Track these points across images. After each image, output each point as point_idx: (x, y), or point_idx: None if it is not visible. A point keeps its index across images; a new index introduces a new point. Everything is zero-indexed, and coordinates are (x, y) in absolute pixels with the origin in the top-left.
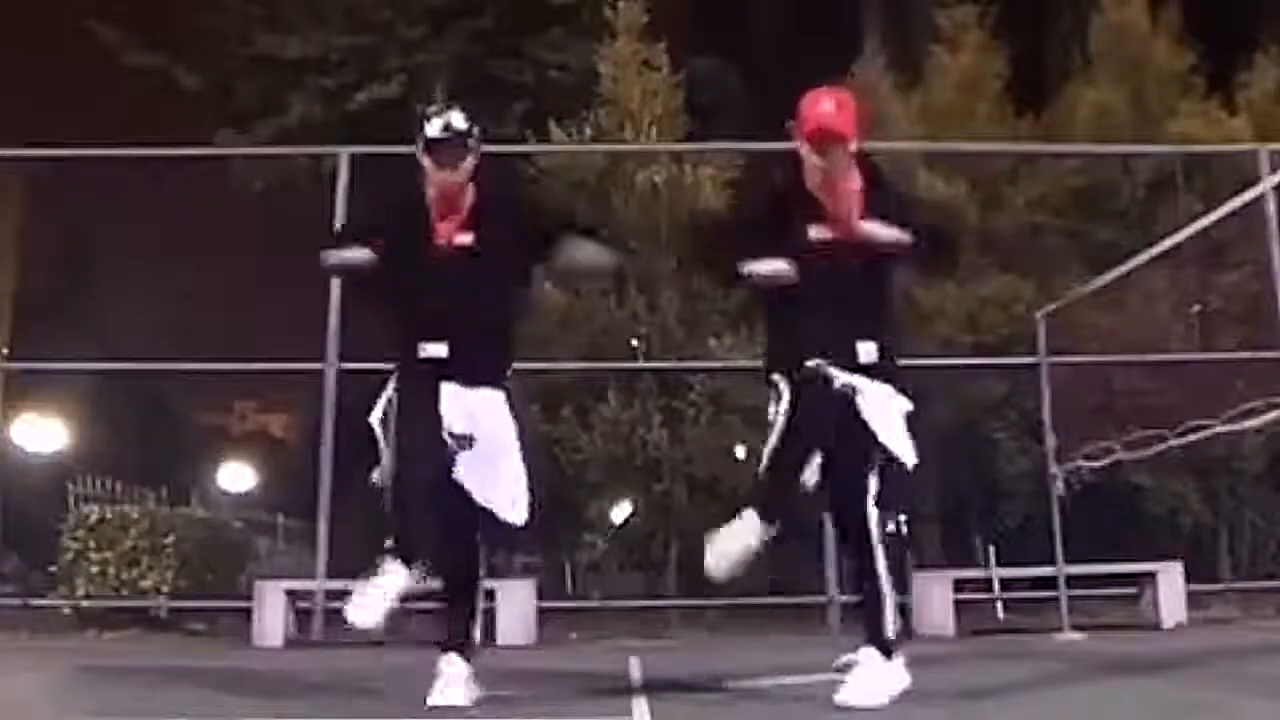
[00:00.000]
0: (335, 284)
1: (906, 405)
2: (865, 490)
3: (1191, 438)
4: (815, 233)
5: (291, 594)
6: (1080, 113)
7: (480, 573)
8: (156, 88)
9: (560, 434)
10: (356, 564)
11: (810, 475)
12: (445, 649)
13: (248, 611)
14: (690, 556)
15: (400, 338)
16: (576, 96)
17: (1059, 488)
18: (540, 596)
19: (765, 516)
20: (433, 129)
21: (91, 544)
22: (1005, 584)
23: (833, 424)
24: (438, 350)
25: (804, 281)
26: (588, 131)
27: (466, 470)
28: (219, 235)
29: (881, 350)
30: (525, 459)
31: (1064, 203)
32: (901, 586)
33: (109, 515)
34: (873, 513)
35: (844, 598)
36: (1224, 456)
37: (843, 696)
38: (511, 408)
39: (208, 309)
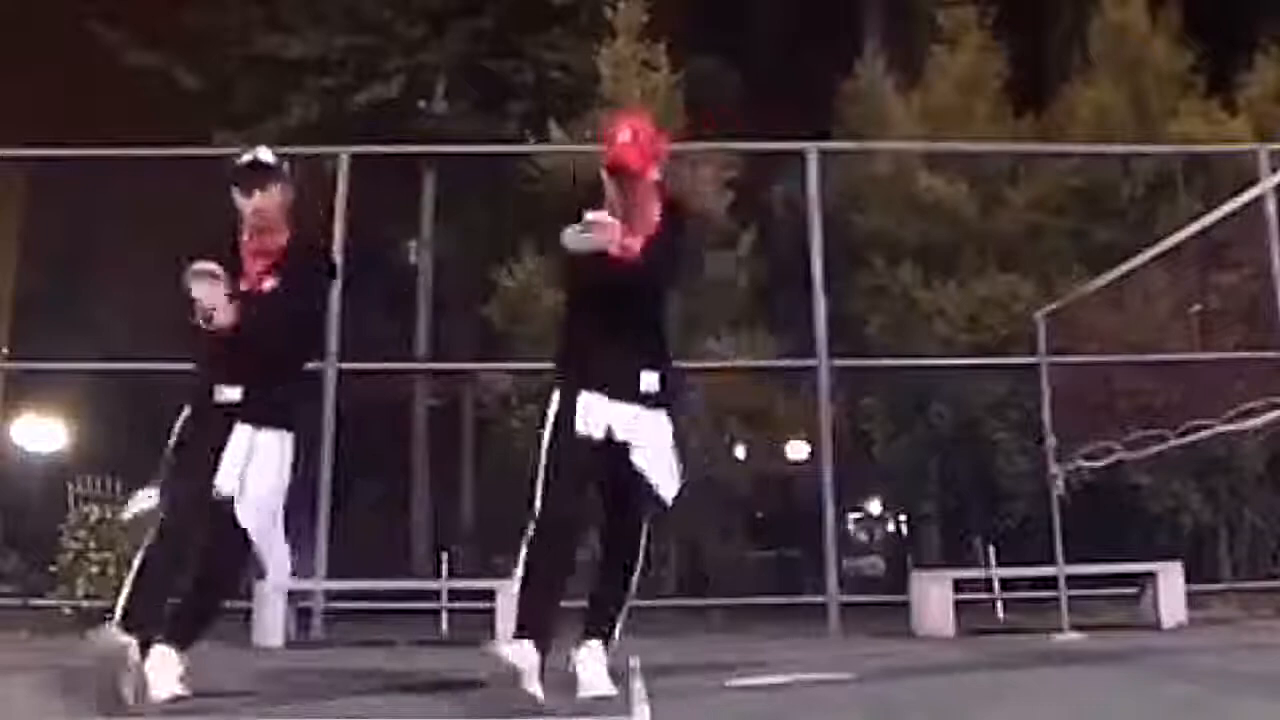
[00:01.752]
0: (335, 284)
1: (669, 444)
2: (641, 527)
3: (1191, 438)
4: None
5: (291, 594)
6: (1080, 113)
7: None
8: (156, 88)
9: None
10: (357, 564)
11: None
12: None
13: (248, 611)
14: (690, 556)
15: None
16: (576, 96)
17: (1059, 488)
18: None
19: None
20: (241, 159)
21: (91, 544)
22: (1005, 584)
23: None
24: (231, 394)
25: (592, 300)
26: (588, 131)
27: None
28: (219, 235)
29: (662, 381)
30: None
31: (1064, 203)
32: (900, 586)
33: (109, 515)
34: (643, 540)
35: (844, 598)
36: (1224, 456)
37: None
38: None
39: None
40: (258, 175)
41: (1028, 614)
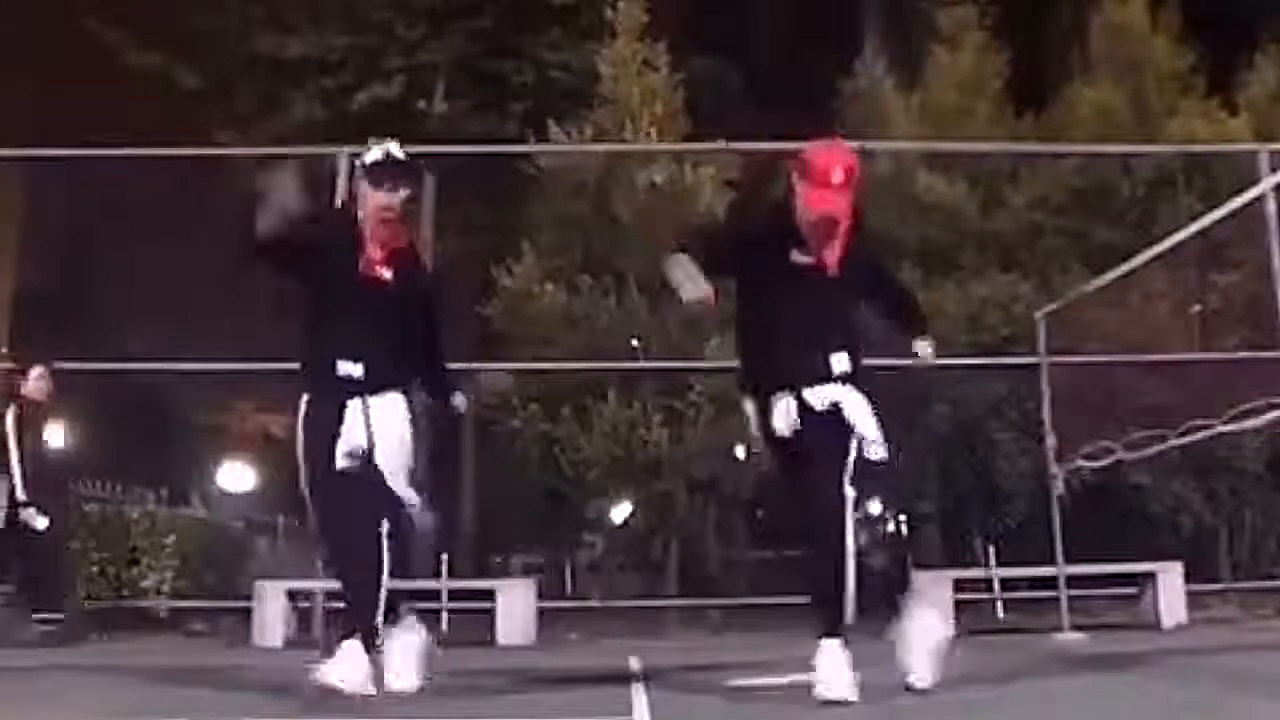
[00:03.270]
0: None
1: (870, 412)
2: (842, 471)
3: (1191, 438)
4: (797, 257)
5: (291, 594)
6: (1080, 113)
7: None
8: (156, 88)
9: (560, 434)
10: None
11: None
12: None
13: (248, 611)
14: (690, 556)
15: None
16: (576, 96)
17: (1059, 488)
18: (540, 596)
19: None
20: (372, 154)
21: (91, 544)
22: (1005, 584)
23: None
24: (351, 369)
25: (783, 301)
26: (588, 131)
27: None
28: (219, 235)
29: (853, 362)
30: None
31: (1064, 203)
32: (903, 586)
33: (109, 515)
34: (849, 493)
35: None
36: (1224, 456)
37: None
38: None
39: (208, 309)
40: (397, 172)
41: (1028, 614)
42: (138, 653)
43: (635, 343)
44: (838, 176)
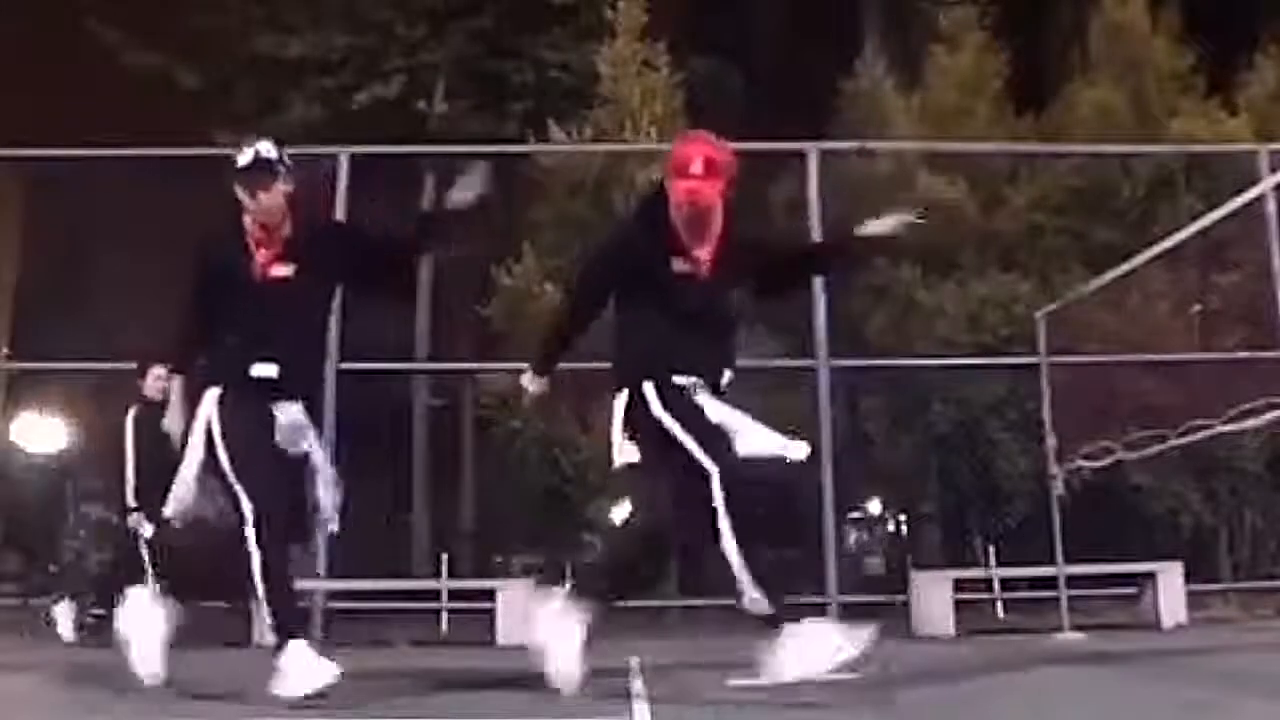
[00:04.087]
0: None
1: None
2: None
3: (1191, 438)
4: (678, 266)
5: None
6: (1080, 113)
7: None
8: (156, 88)
9: (560, 434)
10: (357, 564)
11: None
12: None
13: (248, 612)
14: (690, 557)
15: (226, 358)
16: (576, 96)
17: (1059, 488)
18: None
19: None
20: (242, 159)
21: (92, 544)
22: (1005, 584)
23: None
24: (266, 370)
25: (666, 310)
26: (588, 131)
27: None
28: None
29: (732, 375)
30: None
31: (1064, 203)
32: (900, 586)
33: (109, 515)
34: (718, 492)
35: (844, 598)
36: (1224, 456)
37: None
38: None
39: None
40: (261, 174)
41: (1028, 614)
42: None
43: None
44: (697, 167)
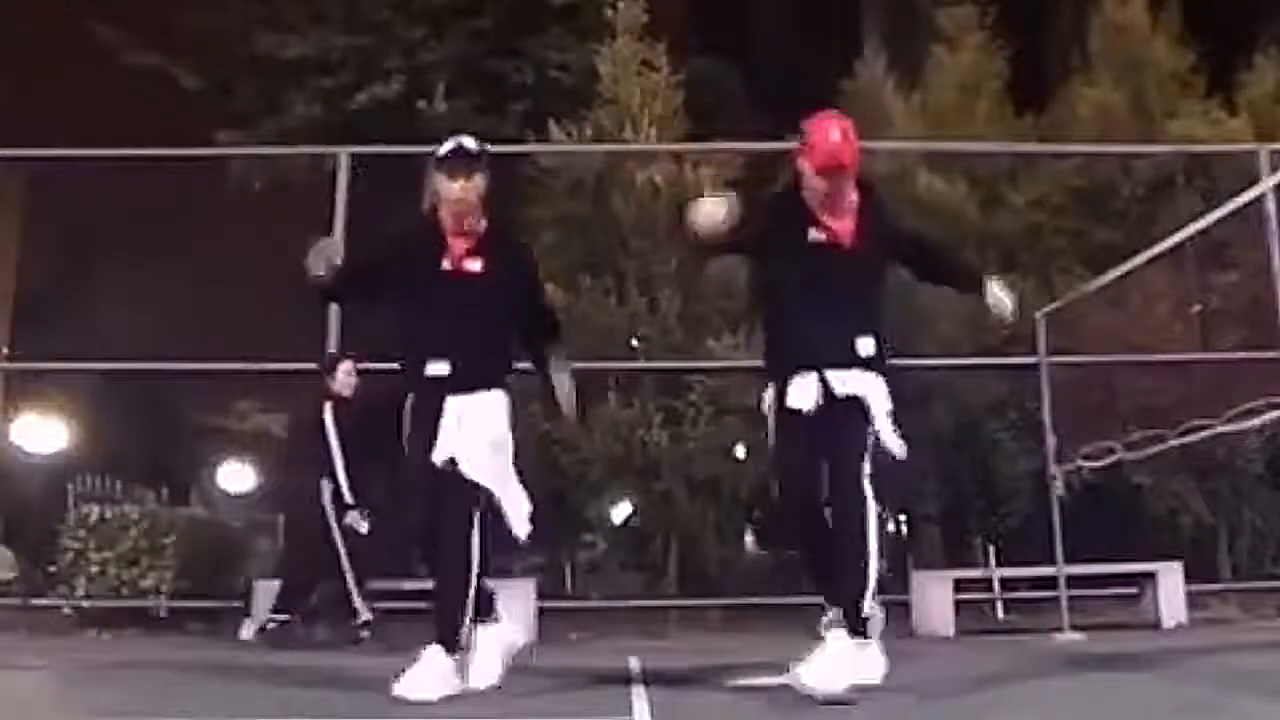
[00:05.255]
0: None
1: (888, 406)
2: (861, 465)
3: (1191, 438)
4: (813, 235)
5: None
6: (1080, 113)
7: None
8: (156, 88)
9: (560, 434)
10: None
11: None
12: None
13: (248, 611)
14: (690, 556)
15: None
16: (576, 96)
17: (1059, 488)
18: (540, 596)
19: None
20: (444, 148)
21: (91, 544)
22: (1005, 584)
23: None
24: (440, 368)
25: (803, 282)
26: (588, 131)
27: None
28: (219, 235)
29: (878, 345)
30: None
31: (1064, 203)
32: (900, 586)
33: (109, 515)
34: (868, 488)
35: None
36: (1224, 456)
37: (805, 678)
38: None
39: (208, 309)
40: (461, 164)
41: (1028, 614)
42: (137, 653)
43: (635, 343)
44: (835, 134)
